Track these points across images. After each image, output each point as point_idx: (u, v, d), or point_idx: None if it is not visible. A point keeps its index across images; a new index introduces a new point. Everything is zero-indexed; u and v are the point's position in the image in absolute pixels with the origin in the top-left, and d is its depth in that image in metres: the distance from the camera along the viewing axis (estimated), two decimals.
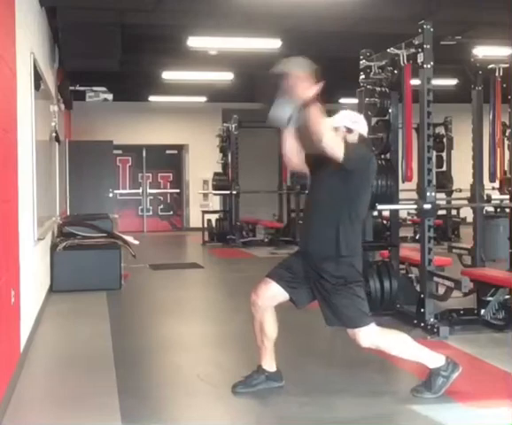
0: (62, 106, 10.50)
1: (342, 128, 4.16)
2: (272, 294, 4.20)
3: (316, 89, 3.87)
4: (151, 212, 17.91)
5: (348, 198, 4.04)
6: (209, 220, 14.42)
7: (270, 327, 4.24)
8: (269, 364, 4.32)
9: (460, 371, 4.15)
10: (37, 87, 6.27)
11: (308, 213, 4.30)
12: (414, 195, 6.14)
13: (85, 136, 15.01)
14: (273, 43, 9.42)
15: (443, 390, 4.09)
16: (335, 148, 3.89)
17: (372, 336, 4.06)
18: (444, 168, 13.51)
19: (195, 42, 9.58)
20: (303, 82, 3.86)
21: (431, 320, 5.73)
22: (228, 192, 13.96)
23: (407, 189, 6.74)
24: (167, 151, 17.88)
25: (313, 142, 3.94)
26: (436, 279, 5.90)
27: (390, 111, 6.62)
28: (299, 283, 4.16)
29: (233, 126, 13.83)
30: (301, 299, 4.22)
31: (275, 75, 3.94)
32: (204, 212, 14.55)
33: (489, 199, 7.72)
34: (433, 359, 4.15)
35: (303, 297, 4.20)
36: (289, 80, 3.86)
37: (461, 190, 11.70)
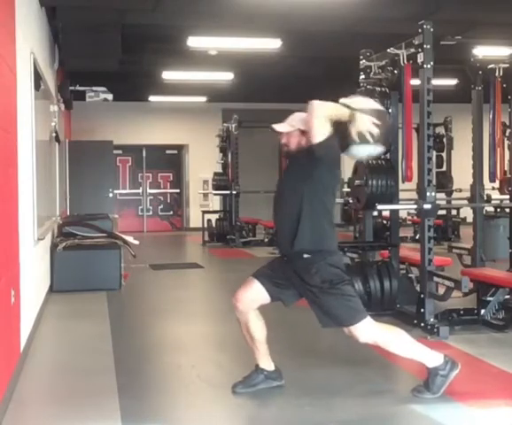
0: (62, 106, 10.49)
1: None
2: (252, 297, 4.16)
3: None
4: (151, 212, 17.91)
5: (313, 189, 3.98)
6: (209, 220, 14.42)
7: (256, 329, 4.21)
8: (266, 363, 4.31)
9: (459, 369, 4.12)
10: (37, 87, 6.27)
11: (276, 210, 4.21)
12: (414, 195, 6.14)
13: (85, 136, 15.01)
14: (273, 43, 9.42)
15: (442, 390, 4.07)
16: (318, 125, 3.86)
17: (368, 330, 4.03)
18: (444, 168, 13.50)
19: (195, 42, 9.59)
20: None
21: (431, 320, 5.73)
22: (228, 192, 13.96)
23: (407, 189, 6.74)
24: (167, 151, 17.88)
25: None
26: (436, 279, 5.90)
27: (390, 111, 6.62)
28: (285, 283, 4.13)
29: (233, 126, 13.81)
30: (289, 298, 4.20)
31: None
32: (204, 212, 14.55)
33: (489, 199, 7.72)
34: (431, 357, 4.11)
35: (290, 295, 4.18)
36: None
37: (461, 190, 11.69)
